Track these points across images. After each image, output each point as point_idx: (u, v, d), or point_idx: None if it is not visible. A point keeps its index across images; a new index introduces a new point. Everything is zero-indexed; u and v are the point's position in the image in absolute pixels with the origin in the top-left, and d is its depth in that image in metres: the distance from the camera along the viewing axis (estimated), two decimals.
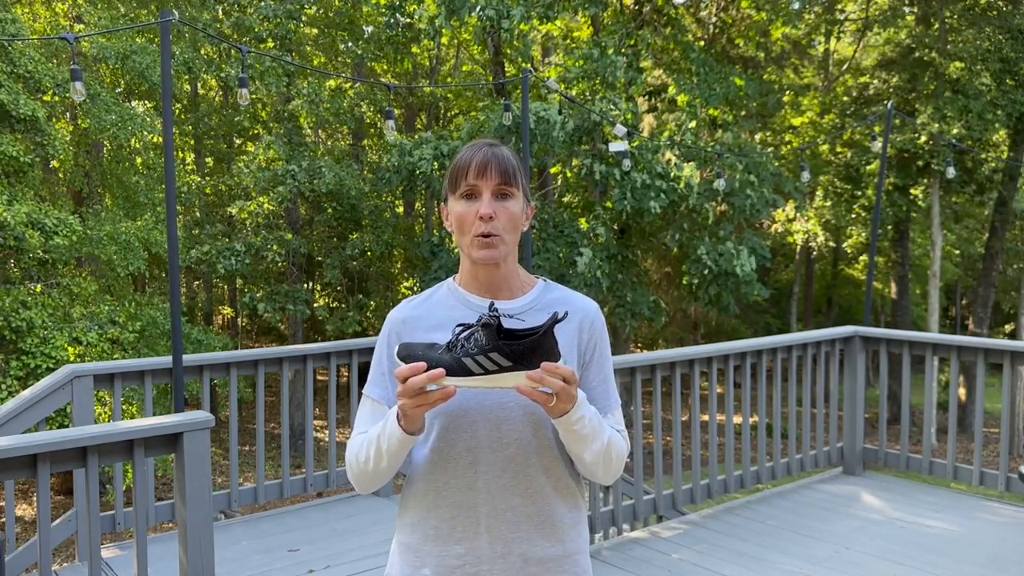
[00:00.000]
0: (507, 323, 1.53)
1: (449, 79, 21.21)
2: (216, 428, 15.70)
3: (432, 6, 12.39)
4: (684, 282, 13.57)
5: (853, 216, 20.16)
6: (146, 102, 15.55)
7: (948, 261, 23.65)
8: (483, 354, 1.35)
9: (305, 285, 17.57)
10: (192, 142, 17.60)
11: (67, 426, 7.83)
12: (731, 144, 13.89)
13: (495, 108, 13.27)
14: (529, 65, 14.81)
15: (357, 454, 1.56)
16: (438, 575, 1.56)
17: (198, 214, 16.34)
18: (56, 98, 11.46)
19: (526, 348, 1.35)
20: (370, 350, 4.83)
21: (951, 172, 8.41)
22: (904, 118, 14.76)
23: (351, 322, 15.65)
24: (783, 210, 15.03)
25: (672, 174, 12.26)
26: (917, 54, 17.61)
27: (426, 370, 1.35)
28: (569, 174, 14.97)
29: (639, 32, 13.91)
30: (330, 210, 16.25)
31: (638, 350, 25.59)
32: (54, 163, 12.71)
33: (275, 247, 14.72)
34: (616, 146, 6.90)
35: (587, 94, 12.97)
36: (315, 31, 17.05)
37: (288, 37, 14.41)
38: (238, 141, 18.38)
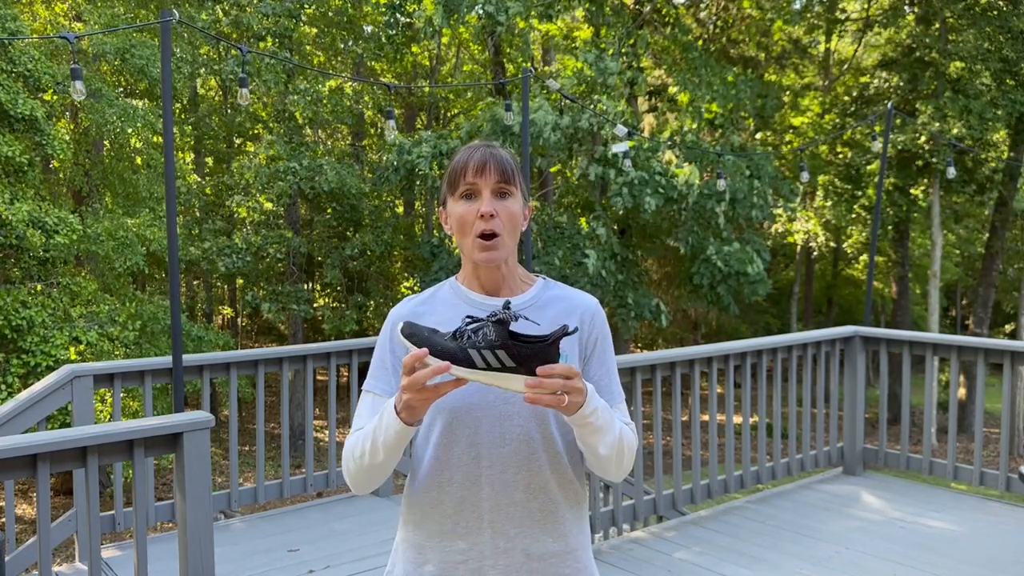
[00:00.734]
0: (518, 325, 1.53)
1: (449, 79, 21.21)
2: (216, 428, 15.71)
3: (430, 5, 12.38)
4: (694, 283, 13.57)
5: (853, 216, 20.16)
6: (146, 101, 15.55)
7: (948, 261, 23.65)
8: (490, 349, 1.34)
9: (305, 285, 17.58)
10: (192, 142, 17.60)
11: (68, 425, 7.84)
12: (735, 144, 13.90)
13: (496, 106, 13.27)
14: (529, 64, 14.81)
15: (353, 450, 1.54)
16: (441, 571, 1.56)
17: (198, 213, 16.34)
18: (56, 97, 11.45)
19: (531, 353, 1.33)
20: (370, 350, 4.83)
21: (951, 172, 8.40)
22: (904, 118, 14.75)
23: (349, 321, 15.65)
24: (784, 211, 15.03)
25: (671, 172, 12.27)
26: (917, 54, 17.60)
27: (431, 354, 1.34)
28: (569, 174, 14.98)
29: (639, 32, 13.91)
30: (330, 210, 16.25)
31: (638, 350, 25.59)
32: (54, 163, 12.71)
33: (275, 246, 14.72)
34: (617, 146, 6.88)
35: (586, 96, 12.97)
36: (315, 30, 17.05)
37: (287, 36, 14.41)
38: (238, 141, 18.37)
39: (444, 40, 18.66)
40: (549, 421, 1.54)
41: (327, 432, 5.29)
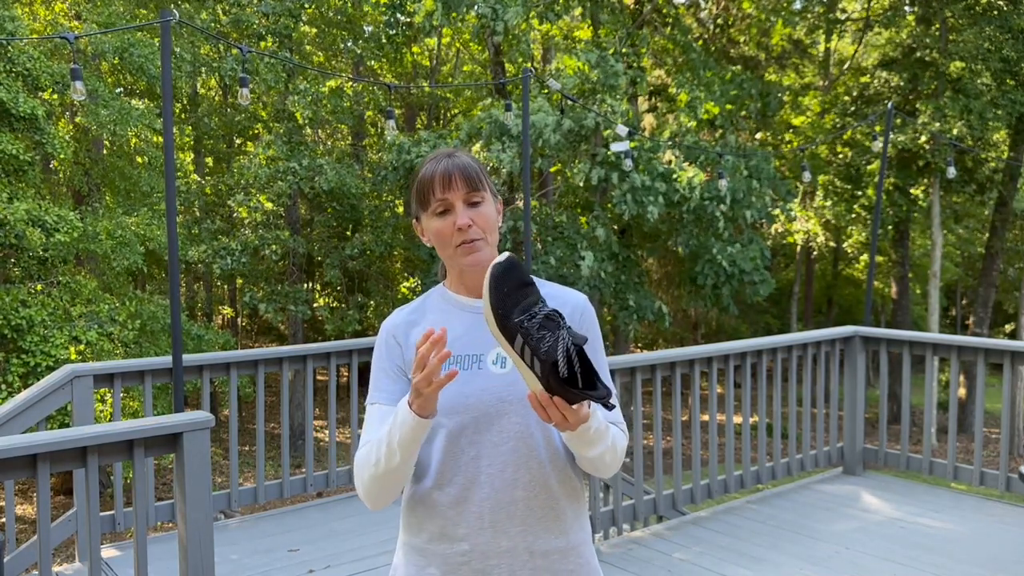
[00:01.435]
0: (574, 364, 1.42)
1: (449, 79, 21.21)
2: (216, 428, 15.71)
3: (429, 2, 12.37)
4: (697, 283, 13.58)
5: (853, 216, 20.16)
6: (146, 100, 15.54)
7: (948, 261, 23.65)
8: (564, 353, 1.28)
9: (305, 285, 17.57)
10: (192, 142, 17.60)
11: (68, 425, 7.83)
12: (731, 145, 13.90)
13: (496, 107, 13.27)
14: (529, 64, 14.81)
15: (367, 459, 1.51)
16: (445, 574, 1.56)
17: (197, 213, 16.34)
18: (55, 96, 11.45)
19: (558, 389, 1.30)
20: (370, 350, 4.83)
21: (951, 172, 8.40)
22: (905, 118, 14.75)
23: (351, 321, 15.65)
24: (782, 211, 15.04)
25: (675, 175, 12.26)
26: (918, 54, 17.60)
27: (513, 310, 1.32)
28: (569, 174, 14.97)
29: (639, 32, 13.91)
30: (330, 210, 16.25)
31: (638, 350, 25.59)
32: (54, 163, 12.70)
33: (273, 246, 14.72)
34: (618, 145, 6.87)
35: (587, 96, 12.97)
36: (314, 30, 17.05)
37: (287, 35, 14.40)
38: (238, 141, 18.38)
39: (444, 40, 18.67)
40: None
41: (327, 432, 5.29)
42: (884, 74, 18.84)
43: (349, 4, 16.52)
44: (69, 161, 12.35)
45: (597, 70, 12.32)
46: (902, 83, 18.08)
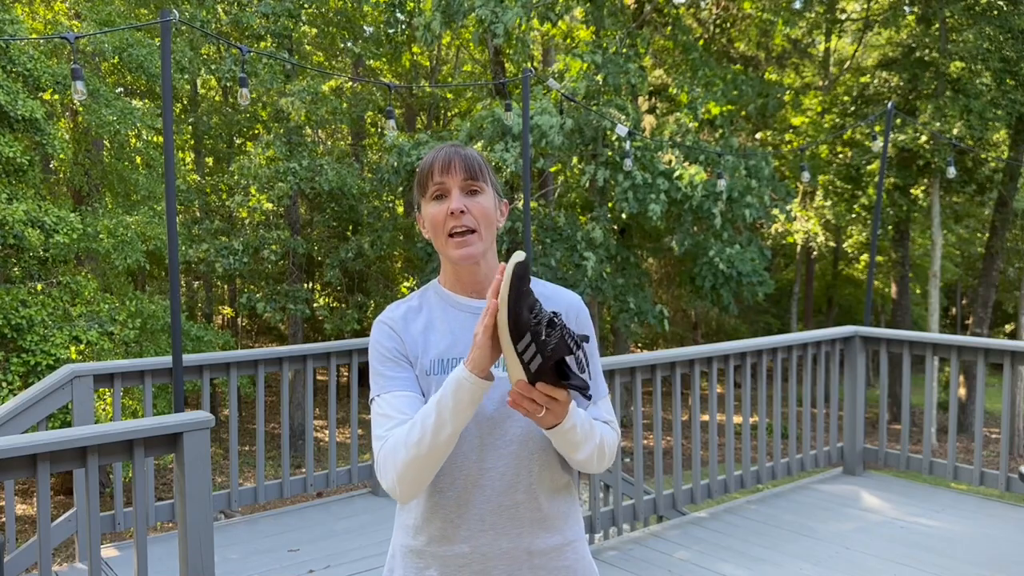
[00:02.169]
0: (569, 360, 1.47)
1: (449, 79, 21.20)
2: (216, 428, 15.71)
3: (428, 11, 12.38)
4: (696, 284, 13.58)
5: (853, 216, 20.15)
6: (146, 100, 15.54)
7: (948, 261, 23.65)
8: (543, 343, 1.30)
9: (305, 285, 17.57)
10: (192, 141, 17.59)
11: (69, 424, 7.83)
12: (732, 146, 13.90)
13: (498, 107, 13.26)
14: (530, 65, 14.81)
15: (405, 441, 1.42)
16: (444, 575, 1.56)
17: (197, 213, 16.34)
18: (55, 96, 11.44)
19: (544, 374, 1.32)
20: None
21: (952, 172, 8.40)
22: (905, 118, 14.75)
23: (350, 320, 15.64)
24: (780, 211, 15.04)
25: (677, 172, 12.26)
26: (918, 54, 17.60)
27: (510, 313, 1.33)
28: (569, 174, 14.96)
29: (640, 32, 13.91)
30: (330, 211, 16.25)
31: (638, 350, 25.59)
32: (54, 163, 12.70)
33: (273, 246, 14.71)
34: (621, 129, 6.86)
35: (591, 97, 12.95)
36: (314, 30, 17.05)
37: (287, 35, 14.40)
38: (238, 141, 18.38)
39: (444, 40, 18.65)
40: None
41: (327, 432, 5.29)
42: (884, 74, 18.84)
43: (349, 4, 16.52)
44: (69, 161, 12.36)
45: (603, 70, 12.32)
46: (902, 83, 18.08)
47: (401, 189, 14.39)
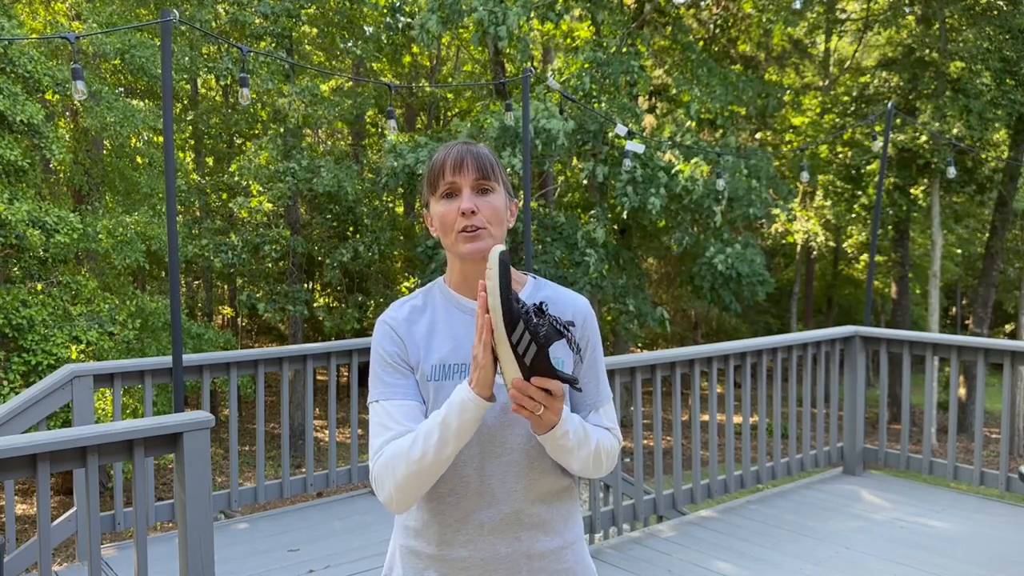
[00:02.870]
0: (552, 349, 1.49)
1: (449, 79, 21.20)
2: (216, 428, 15.71)
3: (423, 11, 12.36)
4: (695, 284, 13.58)
5: (853, 216, 20.16)
6: (147, 100, 15.53)
7: (948, 261, 23.64)
8: (534, 335, 1.31)
9: (305, 285, 17.56)
10: (192, 141, 17.59)
11: (69, 424, 7.83)
12: (732, 145, 13.90)
13: (495, 110, 13.25)
14: (530, 64, 14.81)
15: (406, 455, 1.43)
16: None
17: (197, 213, 16.33)
18: (56, 97, 11.44)
19: (539, 368, 1.33)
20: (370, 350, 4.82)
21: (952, 172, 8.40)
22: (905, 118, 14.76)
23: (350, 320, 15.64)
24: (781, 211, 15.05)
25: (676, 168, 12.26)
26: (918, 54, 17.60)
27: (502, 300, 1.32)
28: (569, 174, 14.95)
29: (640, 32, 13.91)
30: (329, 212, 16.25)
31: (638, 350, 25.59)
32: (53, 163, 12.70)
33: (273, 245, 14.71)
34: (633, 146, 6.80)
35: (593, 96, 12.94)
36: (315, 30, 17.05)
37: (287, 36, 14.39)
38: (238, 141, 18.37)
39: (444, 40, 18.64)
40: None
41: (327, 432, 5.29)
42: (884, 74, 18.84)
43: (349, 4, 16.52)
44: (68, 162, 12.36)
45: (605, 68, 12.31)
46: (902, 83, 18.09)
47: (400, 192, 14.38)
